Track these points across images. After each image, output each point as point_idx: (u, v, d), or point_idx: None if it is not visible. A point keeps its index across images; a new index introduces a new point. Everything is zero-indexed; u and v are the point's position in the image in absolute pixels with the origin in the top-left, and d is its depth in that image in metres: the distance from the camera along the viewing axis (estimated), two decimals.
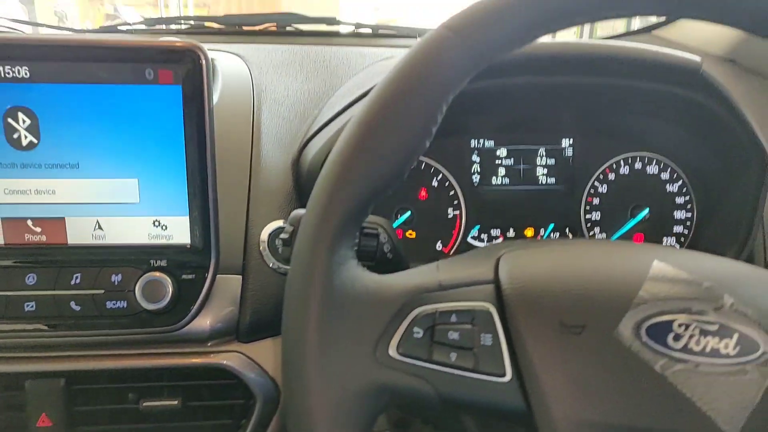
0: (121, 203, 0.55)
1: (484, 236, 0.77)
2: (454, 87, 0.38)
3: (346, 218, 0.37)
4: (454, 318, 0.39)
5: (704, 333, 0.38)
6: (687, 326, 0.38)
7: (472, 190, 0.76)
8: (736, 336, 0.38)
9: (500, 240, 0.77)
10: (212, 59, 0.81)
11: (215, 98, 0.73)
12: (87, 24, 3.81)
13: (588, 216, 0.77)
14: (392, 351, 0.38)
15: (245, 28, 1.07)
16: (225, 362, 0.59)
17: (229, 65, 0.79)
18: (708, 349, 0.37)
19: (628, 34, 1.16)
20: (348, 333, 0.37)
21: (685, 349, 0.37)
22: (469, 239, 0.77)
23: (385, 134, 0.37)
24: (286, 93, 0.76)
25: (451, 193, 0.76)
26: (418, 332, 0.38)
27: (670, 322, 0.38)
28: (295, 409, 0.37)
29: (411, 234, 0.75)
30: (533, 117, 0.76)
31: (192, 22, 1.10)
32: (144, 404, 0.59)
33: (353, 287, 0.38)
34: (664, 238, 0.78)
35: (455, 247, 0.76)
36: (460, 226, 0.76)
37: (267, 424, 0.62)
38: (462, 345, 0.38)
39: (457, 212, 0.76)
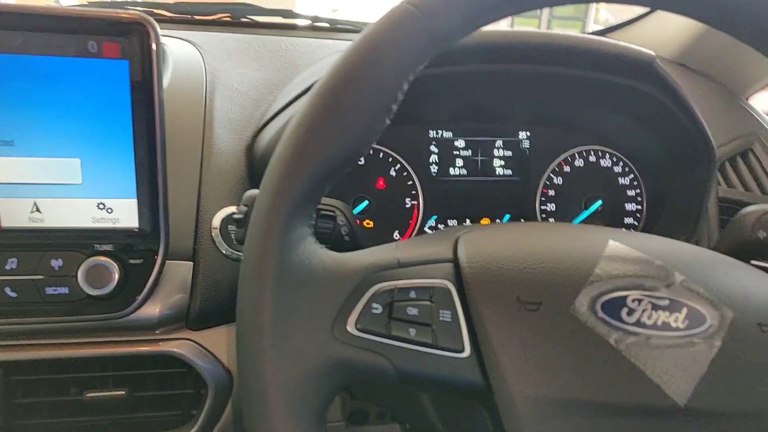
0: (61, 184, 0.52)
1: (441, 226, 0.77)
2: (416, 64, 0.37)
3: (302, 195, 0.36)
4: (413, 294, 0.39)
5: (656, 308, 0.39)
6: (640, 301, 0.39)
7: (429, 180, 0.76)
8: (685, 310, 0.39)
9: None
10: (162, 43, 0.79)
11: (165, 82, 0.71)
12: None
13: (543, 207, 0.78)
14: (350, 327, 0.37)
15: (198, 17, 1.05)
16: (175, 350, 0.56)
17: (180, 51, 0.77)
18: (659, 323, 0.38)
19: (612, 29, 1.18)
20: (304, 310, 0.36)
21: (638, 323, 0.38)
22: (426, 229, 0.76)
23: (343, 109, 0.36)
24: (241, 80, 0.75)
25: (409, 183, 0.75)
26: (377, 308, 0.38)
27: (624, 298, 0.39)
28: (249, 388, 0.35)
29: (368, 223, 0.74)
30: (491, 108, 0.76)
31: (139, 9, 1.07)
32: (88, 395, 0.56)
33: (310, 264, 0.37)
34: None
35: (412, 236, 0.76)
36: (418, 215, 0.76)
37: (219, 414, 0.60)
38: (421, 321, 0.38)
39: (415, 202, 0.75)
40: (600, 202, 0.78)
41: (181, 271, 0.58)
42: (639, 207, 0.80)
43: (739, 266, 0.44)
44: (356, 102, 0.36)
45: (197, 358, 0.57)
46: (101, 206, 0.53)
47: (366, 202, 0.74)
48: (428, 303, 0.38)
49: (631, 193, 0.80)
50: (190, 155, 0.64)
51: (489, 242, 0.42)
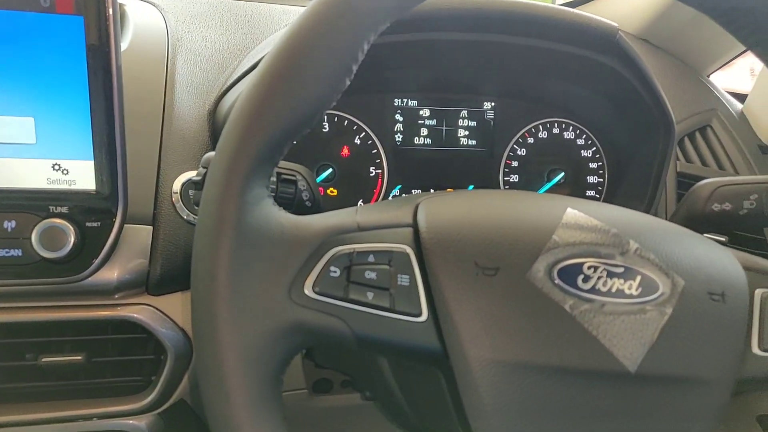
0: (13, 143, 0.50)
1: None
2: (377, 24, 0.37)
3: (260, 155, 0.35)
4: (371, 258, 0.39)
5: (611, 275, 0.40)
6: (595, 268, 0.40)
7: (394, 149, 0.76)
8: (639, 278, 0.40)
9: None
10: (123, 5, 0.77)
11: (125, 45, 0.69)
12: None
13: (506, 178, 0.79)
14: (308, 290, 0.37)
15: None
16: (133, 315, 0.56)
17: (141, 12, 0.75)
18: (614, 290, 0.39)
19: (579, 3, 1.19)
20: (261, 272, 0.36)
21: (593, 289, 0.39)
22: (390, 198, 0.76)
23: (300, 69, 0.35)
24: (204, 44, 0.73)
25: (374, 151, 0.75)
26: (335, 271, 0.38)
27: (580, 265, 0.40)
28: (204, 349, 0.35)
29: (332, 191, 0.74)
30: (457, 78, 0.76)
31: None
32: (44, 360, 0.55)
33: (268, 226, 0.37)
34: None
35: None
36: (382, 184, 0.76)
37: (179, 380, 0.60)
38: (379, 285, 0.38)
39: (379, 171, 0.75)
40: (562, 174, 0.80)
41: (140, 235, 0.57)
42: (600, 179, 0.82)
43: (692, 236, 0.45)
44: (314, 61, 0.35)
45: (156, 324, 0.57)
46: (56, 167, 0.52)
47: (330, 170, 0.73)
48: (387, 267, 0.39)
49: (593, 165, 0.81)
50: (151, 118, 0.62)
51: (449, 208, 0.42)
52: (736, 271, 0.44)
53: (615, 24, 0.65)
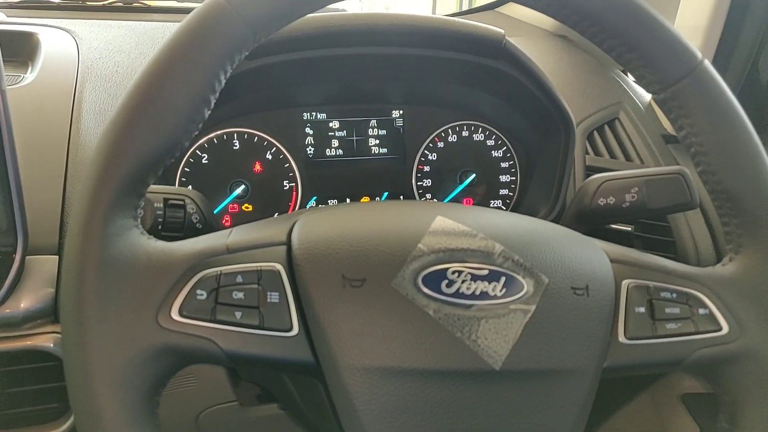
0: None
1: (320, 206, 0.79)
2: (231, 57, 0.39)
3: (120, 189, 0.37)
4: (239, 279, 0.40)
5: (475, 278, 0.42)
6: (460, 273, 0.42)
7: (306, 162, 0.78)
8: (503, 279, 0.42)
9: (347, 202, 0.80)
10: (36, 34, 0.78)
11: (33, 75, 0.70)
12: None
13: (419, 183, 0.82)
14: (174, 314, 0.38)
15: (89, 2, 1.03)
16: (41, 344, 0.57)
17: (54, 42, 0.77)
18: (478, 292, 0.41)
19: (472, 12, 1.22)
20: (127, 301, 0.37)
21: (456, 293, 0.41)
22: None
23: (156, 102, 0.37)
24: (116, 69, 0.75)
25: (286, 165, 0.77)
26: (202, 294, 0.39)
27: (445, 270, 0.42)
28: (74, 382, 0.37)
29: (247, 207, 0.76)
30: (363, 89, 0.78)
31: None
32: None
33: (134, 256, 0.38)
34: (491, 201, 0.84)
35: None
36: (297, 197, 0.78)
37: None
38: (247, 304, 0.40)
39: (293, 184, 0.77)
40: (474, 175, 0.82)
41: (46, 265, 0.58)
42: (513, 178, 0.85)
43: (560, 235, 0.47)
44: (168, 95, 0.37)
45: None
46: None
47: (243, 186, 0.75)
48: (255, 286, 0.40)
49: (504, 165, 0.84)
50: (55, 149, 0.63)
51: (321, 224, 0.44)
52: (601, 265, 0.46)
53: (501, 31, 0.68)
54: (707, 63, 0.45)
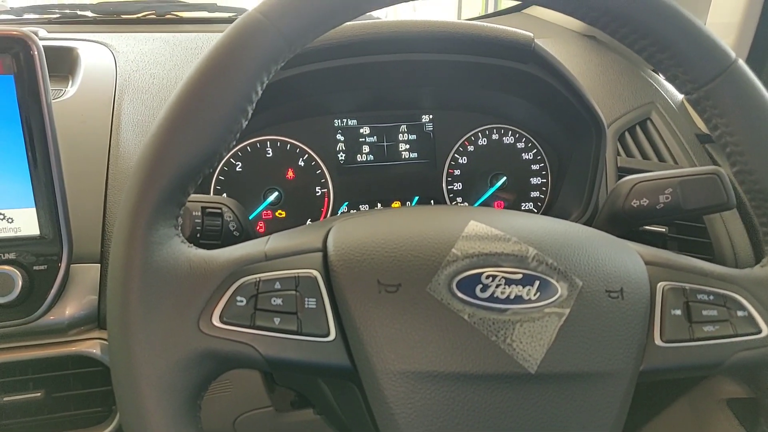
0: None
1: (353, 212, 0.80)
2: (267, 68, 0.40)
3: (162, 199, 0.38)
4: (277, 285, 0.41)
5: (509, 282, 0.42)
6: (494, 277, 0.42)
7: (338, 168, 0.79)
8: (537, 283, 0.42)
9: (380, 208, 0.81)
10: (75, 49, 0.81)
11: (74, 89, 0.73)
12: None
13: (450, 187, 0.82)
14: (216, 320, 0.39)
15: (124, 16, 1.06)
16: (86, 350, 0.59)
17: (92, 56, 0.79)
18: (512, 296, 0.42)
19: (498, 14, 1.22)
20: (170, 308, 0.39)
21: (491, 298, 0.42)
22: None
23: (196, 114, 0.38)
24: (152, 81, 0.77)
25: (318, 172, 0.78)
26: (241, 300, 0.40)
27: (479, 275, 0.42)
28: (121, 385, 0.38)
29: (281, 213, 0.77)
30: (393, 95, 0.79)
31: (66, 11, 1.07)
32: (5, 399, 0.59)
33: (176, 264, 0.40)
34: (522, 204, 0.84)
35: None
36: (329, 203, 0.79)
37: None
38: (285, 310, 0.41)
39: (325, 190, 0.78)
40: (504, 178, 0.82)
41: (89, 273, 0.60)
42: (544, 180, 0.84)
43: (594, 237, 0.47)
44: (209, 107, 0.38)
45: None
46: (1, 217, 0.55)
47: (276, 193, 0.76)
48: (293, 292, 0.41)
49: (535, 167, 0.84)
50: (97, 160, 0.66)
51: (356, 230, 0.45)
52: (635, 267, 0.46)
53: (530, 34, 0.68)
54: (741, 62, 0.44)
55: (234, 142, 0.41)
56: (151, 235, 0.38)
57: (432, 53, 0.69)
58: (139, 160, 0.39)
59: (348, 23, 0.65)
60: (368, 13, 0.46)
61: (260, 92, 0.41)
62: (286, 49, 0.40)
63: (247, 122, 0.41)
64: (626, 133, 0.85)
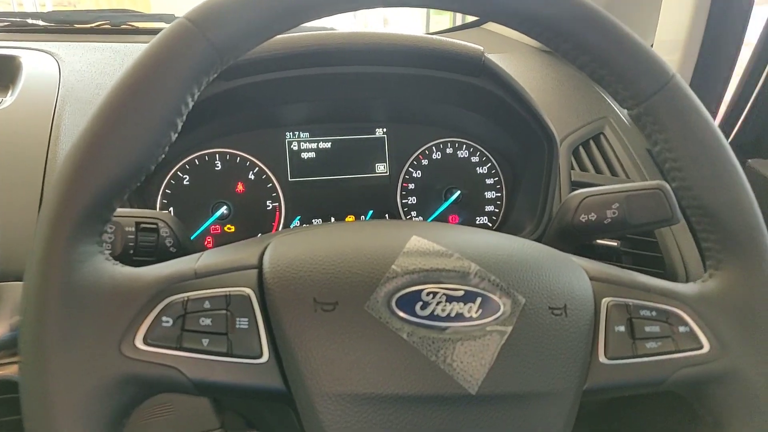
0: None
1: (294, 227, 0.78)
2: (198, 79, 0.38)
3: (84, 215, 0.36)
4: (207, 305, 0.39)
5: (450, 299, 0.41)
6: (434, 294, 0.41)
7: (289, 181, 0.77)
8: (479, 300, 0.41)
9: (321, 222, 0.79)
10: (17, 57, 0.78)
11: (12, 98, 0.70)
12: None
13: (404, 201, 0.81)
14: (138, 342, 0.37)
15: (76, 25, 1.03)
16: (9, 374, 0.56)
17: (36, 64, 0.77)
18: (453, 314, 0.41)
19: (457, 29, 1.23)
20: (90, 330, 0.37)
21: (431, 316, 0.40)
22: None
23: (121, 126, 0.36)
24: (96, 92, 0.74)
25: (269, 185, 0.77)
26: (167, 321, 0.38)
27: (419, 292, 0.41)
28: (32, 413, 0.36)
29: (230, 228, 0.75)
30: (346, 108, 0.78)
31: (16, 19, 1.04)
32: None
33: (98, 283, 0.37)
34: (477, 218, 0.83)
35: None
36: (280, 217, 0.77)
37: None
38: (215, 330, 0.39)
39: (276, 204, 0.77)
40: (459, 192, 0.82)
41: (18, 292, 0.57)
42: (498, 194, 0.84)
43: (537, 253, 0.47)
44: (133, 120, 0.36)
45: None
46: None
47: (225, 207, 0.74)
48: (224, 312, 0.39)
49: (489, 181, 0.84)
50: (32, 173, 0.63)
51: (294, 246, 0.43)
52: (580, 284, 0.46)
53: (480, 48, 0.68)
54: (679, 77, 0.45)
55: (163, 156, 0.39)
56: (70, 253, 0.36)
57: (384, 66, 0.68)
58: (59, 173, 0.37)
59: (298, 34, 0.64)
60: (332, 23, 0.44)
61: (191, 104, 0.39)
62: (218, 60, 0.39)
63: (177, 135, 0.39)
64: (580, 147, 0.86)
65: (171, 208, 0.73)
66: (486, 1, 0.43)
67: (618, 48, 0.43)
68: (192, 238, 0.73)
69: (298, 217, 0.78)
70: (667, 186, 0.58)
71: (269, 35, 0.40)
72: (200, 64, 0.38)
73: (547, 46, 0.45)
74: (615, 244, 0.76)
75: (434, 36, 0.68)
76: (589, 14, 0.43)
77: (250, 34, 0.39)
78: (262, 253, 0.43)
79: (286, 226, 0.77)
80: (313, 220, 0.78)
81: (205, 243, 0.74)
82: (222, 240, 0.75)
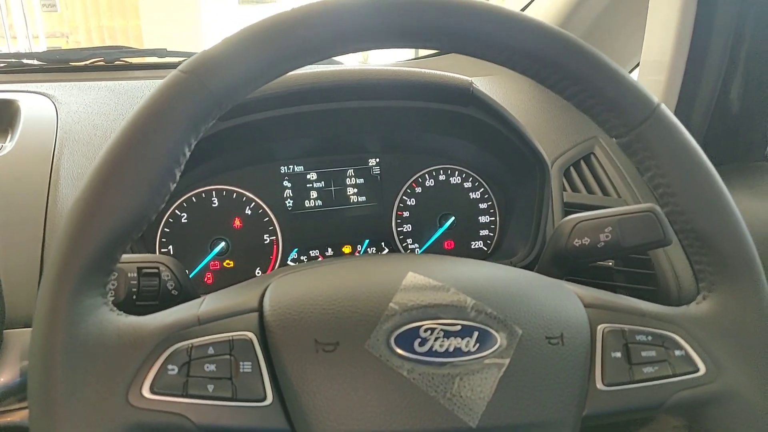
0: None
1: (303, 258, 0.79)
2: (196, 128, 0.39)
3: (88, 268, 0.37)
4: (211, 350, 0.40)
5: (448, 335, 0.42)
6: (432, 330, 0.41)
7: (286, 214, 0.78)
8: (476, 334, 0.42)
9: (319, 260, 0.80)
10: (15, 101, 0.79)
11: (12, 144, 0.71)
12: None
13: (399, 228, 0.82)
14: (145, 391, 0.38)
15: (71, 63, 1.04)
16: (20, 420, 0.56)
17: (33, 108, 0.78)
18: (451, 349, 0.41)
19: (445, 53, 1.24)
20: (97, 381, 0.37)
21: (429, 352, 0.41)
22: (288, 262, 0.78)
23: (122, 180, 0.37)
24: (94, 132, 0.75)
25: (266, 219, 0.78)
26: (173, 369, 0.39)
27: (417, 328, 0.41)
28: None
29: (229, 263, 0.76)
30: (339, 141, 0.79)
31: (11, 60, 1.05)
32: None
33: (103, 334, 0.38)
34: (472, 243, 0.84)
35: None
36: (278, 250, 0.78)
37: None
38: (219, 376, 0.39)
39: (273, 237, 0.78)
40: (453, 218, 0.83)
41: (25, 338, 0.58)
42: (492, 219, 0.85)
43: (532, 282, 0.47)
44: (133, 173, 0.37)
45: None
46: None
47: (224, 243, 0.75)
48: (227, 357, 0.40)
49: (482, 206, 0.85)
50: (33, 219, 0.64)
51: (293, 287, 0.44)
52: (575, 311, 0.46)
53: (468, 79, 0.69)
54: (663, 105, 0.46)
55: (163, 205, 0.40)
56: (75, 307, 0.37)
57: (375, 100, 0.70)
58: (63, 227, 0.37)
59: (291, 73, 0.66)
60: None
61: (188, 153, 0.40)
62: (215, 107, 0.40)
63: (175, 185, 0.40)
64: (571, 168, 0.87)
65: (170, 246, 0.74)
66: (470, 37, 0.44)
67: (606, 78, 0.44)
68: (192, 275, 0.74)
69: (296, 249, 0.79)
70: (658, 208, 0.59)
71: (264, 81, 0.41)
72: (198, 113, 0.39)
73: (533, 79, 0.46)
74: (609, 263, 0.77)
75: (424, 70, 0.69)
76: (575, 47, 0.44)
77: (246, 81, 0.40)
78: (262, 296, 0.44)
79: (284, 259, 0.78)
80: (311, 252, 0.79)
81: (205, 279, 0.75)
82: (222, 275, 0.75)
